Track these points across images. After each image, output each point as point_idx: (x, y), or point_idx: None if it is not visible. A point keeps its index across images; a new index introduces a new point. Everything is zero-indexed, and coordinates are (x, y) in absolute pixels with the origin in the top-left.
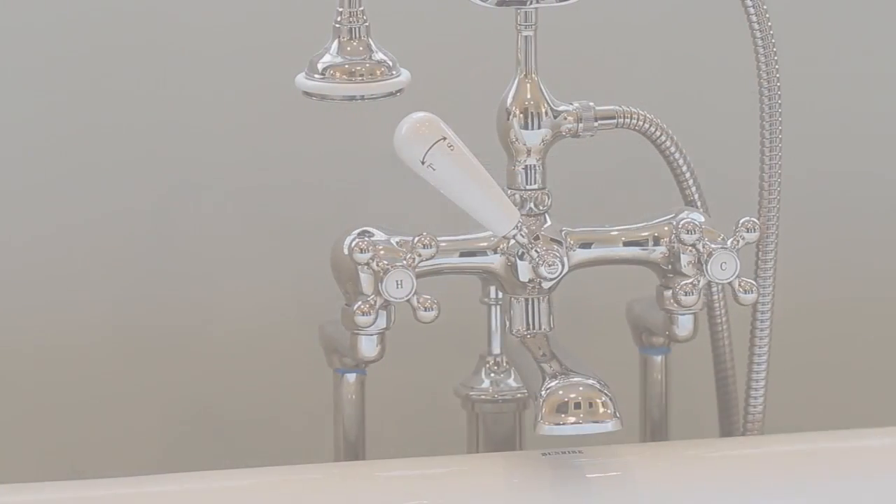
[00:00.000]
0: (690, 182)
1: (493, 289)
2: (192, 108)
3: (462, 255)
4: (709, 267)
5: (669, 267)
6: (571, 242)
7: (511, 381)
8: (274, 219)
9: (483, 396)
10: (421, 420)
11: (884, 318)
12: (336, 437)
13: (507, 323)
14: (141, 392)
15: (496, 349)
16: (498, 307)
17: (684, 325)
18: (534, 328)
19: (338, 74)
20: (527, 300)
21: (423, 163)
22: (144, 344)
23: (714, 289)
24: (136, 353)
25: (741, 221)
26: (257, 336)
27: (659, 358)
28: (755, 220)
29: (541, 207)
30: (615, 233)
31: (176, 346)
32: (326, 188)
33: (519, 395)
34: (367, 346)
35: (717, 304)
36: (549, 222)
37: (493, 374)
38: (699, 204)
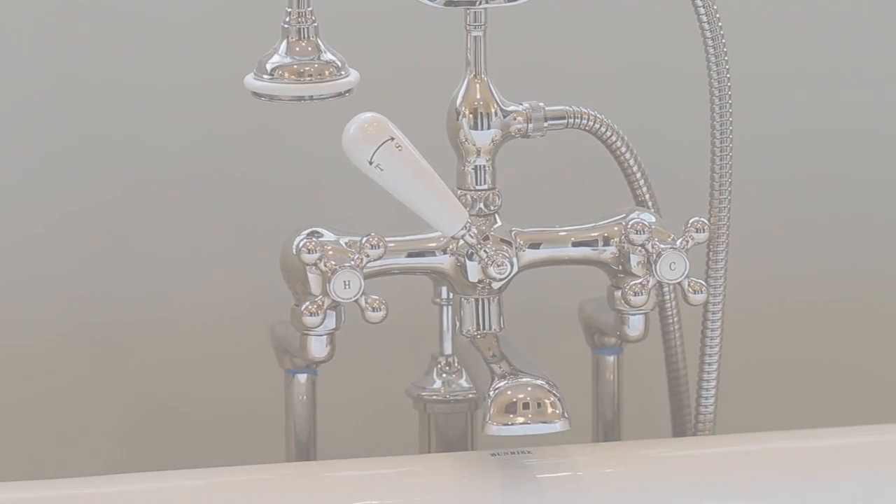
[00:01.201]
0: (641, 182)
1: (444, 289)
2: (148, 107)
3: (410, 255)
4: (658, 267)
5: (620, 267)
6: (521, 243)
7: (463, 382)
8: (230, 218)
9: (435, 397)
10: (374, 420)
11: (835, 318)
12: (287, 438)
13: (458, 323)
14: (94, 391)
15: (448, 350)
16: (449, 308)
17: (635, 326)
18: (484, 328)
19: (286, 75)
20: (477, 300)
21: (370, 163)
22: (98, 344)
23: (665, 289)
24: (90, 353)
25: (691, 222)
26: (212, 336)
27: (611, 358)
28: (704, 220)
29: (491, 208)
30: (564, 233)
31: (130, 345)
32: (283, 187)
33: (471, 396)
34: (317, 347)
35: (668, 305)
36: (499, 223)
37: (444, 375)
38: (650, 204)
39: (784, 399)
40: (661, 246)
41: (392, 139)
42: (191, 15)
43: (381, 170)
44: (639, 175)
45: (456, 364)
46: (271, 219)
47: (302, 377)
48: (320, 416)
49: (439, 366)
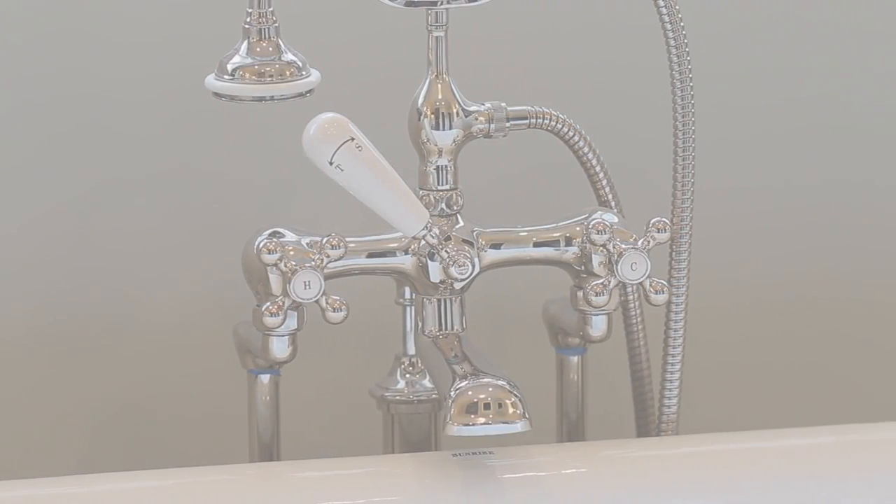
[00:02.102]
0: (604, 182)
1: (407, 290)
2: (112, 108)
3: (370, 255)
4: (619, 267)
5: (582, 268)
6: (483, 243)
7: (426, 382)
8: (196, 218)
9: (398, 397)
10: (338, 421)
11: (799, 318)
12: (251, 438)
13: (420, 324)
14: (58, 392)
15: (411, 350)
16: (413, 308)
17: (598, 326)
18: (446, 329)
19: (247, 75)
20: (439, 301)
21: (331, 163)
22: (62, 343)
23: (629, 289)
24: (55, 353)
25: (652, 222)
26: (178, 336)
27: (575, 358)
28: (666, 220)
29: (453, 208)
30: (524, 234)
31: (96, 345)
32: (251, 186)
33: (434, 396)
34: (279, 347)
35: (632, 305)
36: (461, 223)
37: (408, 375)
38: (613, 204)
39: (748, 399)
40: (623, 246)
41: (352, 139)
42: (158, 12)
43: (342, 170)
44: (601, 175)
45: (419, 365)
46: (238, 218)
47: (265, 378)
48: (284, 416)
49: (403, 366)
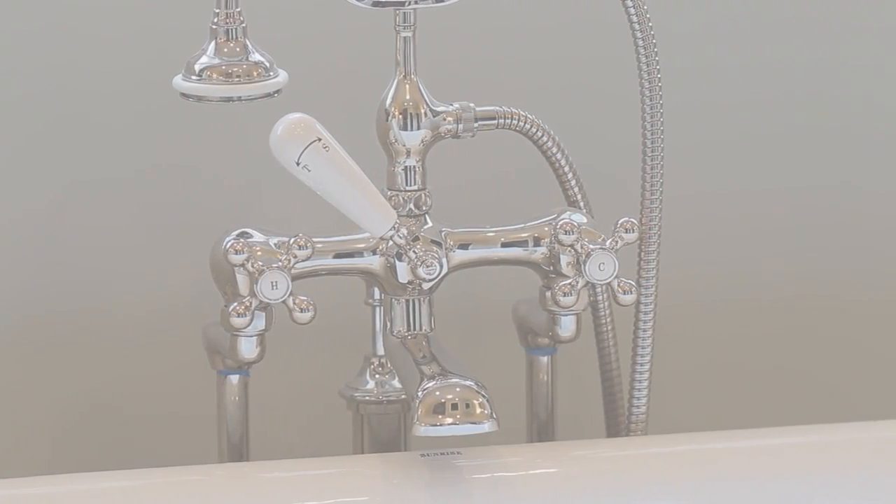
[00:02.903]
0: (573, 183)
1: (376, 290)
2: (84, 106)
3: (338, 256)
4: (587, 268)
5: (551, 268)
6: (451, 243)
7: (395, 383)
8: (167, 218)
9: (367, 398)
10: (308, 421)
11: (768, 318)
12: (220, 439)
13: (388, 324)
14: (27, 391)
15: (381, 350)
16: (381, 308)
17: (567, 326)
18: (414, 329)
19: (214, 76)
20: (407, 301)
21: (298, 164)
22: (32, 343)
23: (598, 289)
24: (24, 353)
25: (620, 222)
26: (147, 336)
27: (545, 359)
28: (634, 220)
29: (422, 208)
30: (492, 234)
31: (65, 345)
32: (223, 186)
33: (403, 397)
34: (247, 348)
35: (601, 305)
36: (429, 223)
37: (377, 376)
38: (582, 205)
39: (718, 400)
40: (591, 246)
41: (319, 140)
42: (126, 12)
43: (309, 170)
44: (570, 176)
45: (389, 365)
46: (210, 217)
47: (234, 378)
48: (254, 416)
49: (372, 367)
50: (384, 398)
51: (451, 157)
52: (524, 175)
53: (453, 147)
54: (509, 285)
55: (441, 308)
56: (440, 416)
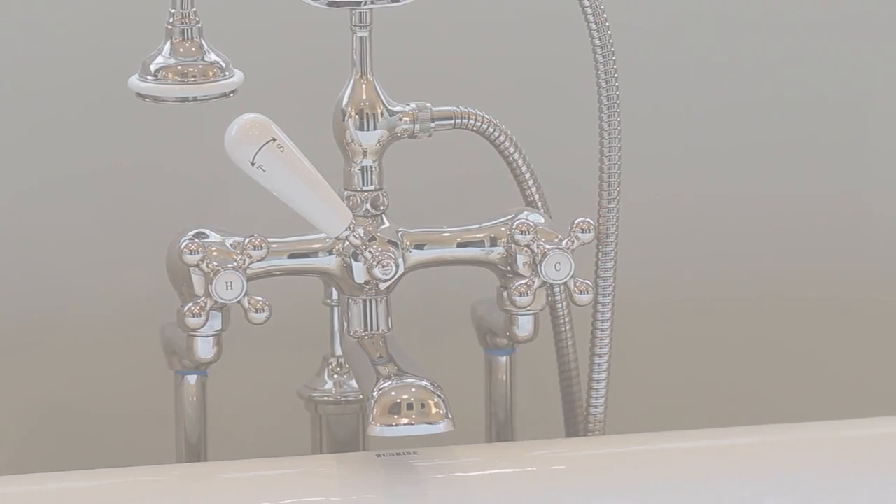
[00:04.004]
0: (530, 183)
1: (334, 290)
2: (45, 105)
3: (294, 256)
4: (543, 267)
5: (508, 268)
6: (408, 244)
7: (354, 383)
8: (125, 218)
9: (326, 398)
10: (267, 421)
11: (729, 318)
12: (178, 439)
13: (346, 324)
14: None
15: (339, 351)
16: (339, 308)
17: (524, 326)
18: (371, 329)
19: (170, 76)
20: (364, 301)
21: (252, 164)
22: None
23: (556, 289)
24: None
25: (576, 222)
26: (107, 335)
27: (503, 359)
28: (590, 220)
29: (379, 208)
30: (447, 234)
31: (23, 345)
32: (182, 185)
33: (361, 397)
34: (203, 348)
35: (559, 305)
36: (386, 223)
37: (335, 376)
38: (540, 205)
39: (678, 399)
40: (547, 246)
41: (274, 140)
42: (87, 13)
43: (264, 171)
44: (528, 176)
45: (347, 365)
46: (168, 217)
47: (191, 378)
48: (213, 416)
49: (330, 367)
50: (342, 398)
51: (410, 157)
52: (484, 175)
53: (412, 147)
54: (469, 285)
55: (401, 308)
56: (395, 417)
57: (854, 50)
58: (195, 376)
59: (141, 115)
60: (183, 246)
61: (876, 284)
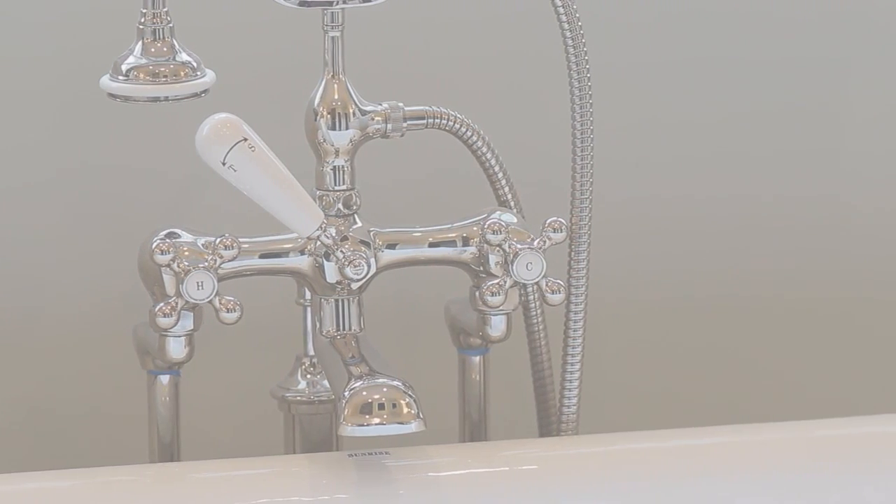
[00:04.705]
0: (503, 182)
1: (307, 290)
2: (17, 105)
3: (266, 256)
4: (514, 267)
5: (480, 268)
6: (380, 243)
7: (327, 383)
8: (98, 217)
9: (299, 398)
10: (241, 421)
11: (699, 318)
12: (150, 439)
13: (318, 324)
14: None
15: (312, 350)
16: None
17: (497, 326)
18: (343, 329)
19: (141, 76)
20: (336, 301)
21: (224, 164)
22: None
23: (529, 289)
24: None
25: (548, 221)
26: (79, 336)
27: (477, 358)
28: (562, 220)
29: (352, 208)
30: (419, 234)
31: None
32: (154, 185)
33: (334, 397)
34: (175, 348)
35: (532, 305)
36: (358, 223)
37: (309, 376)
38: (513, 204)
39: (651, 399)
40: (519, 246)
41: (245, 140)
42: (59, 13)
43: (235, 171)
44: (501, 175)
45: (320, 365)
46: (141, 217)
47: (164, 378)
48: (188, 416)
49: (304, 367)
50: (315, 398)
51: (383, 157)
52: (458, 175)
53: (386, 147)
54: (442, 285)
55: (375, 308)
56: (367, 416)
57: (830, 56)
58: (168, 376)
59: (115, 114)
60: (154, 246)
61: (853, 283)
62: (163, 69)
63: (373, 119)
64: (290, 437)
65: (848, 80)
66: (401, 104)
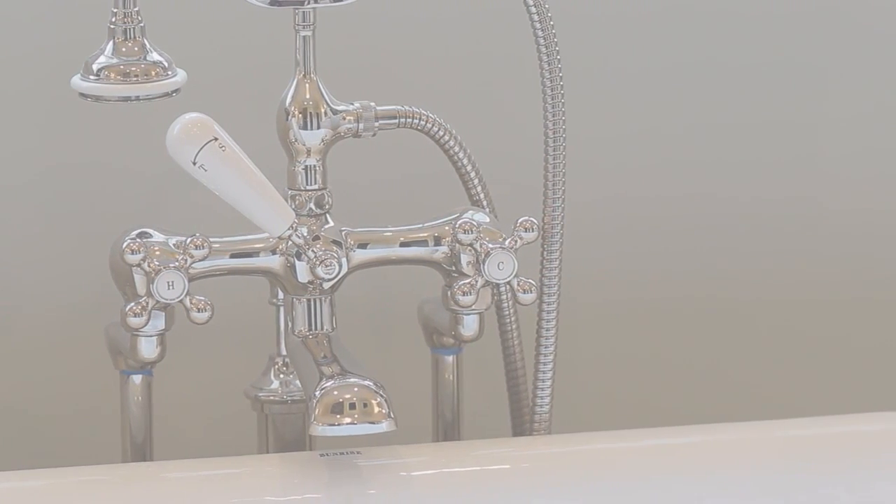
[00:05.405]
0: (476, 182)
1: (280, 290)
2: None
3: (235, 256)
4: (486, 267)
5: (453, 267)
6: (352, 243)
7: (300, 383)
8: (69, 217)
9: (272, 397)
10: (213, 421)
11: (671, 318)
12: (123, 439)
13: (290, 324)
14: None
15: (285, 350)
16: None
17: (469, 325)
18: (316, 329)
19: (112, 75)
20: (308, 301)
21: (194, 163)
22: None
23: (503, 288)
24: None
25: (519, 221)
26: (51, 336)
27: (450, 358)
28: (533, 219)
29: (324, 207)
30: (389, 234)
31: None
32: (125, 185)
33: (306, 396)
34: (146, 348)
35: (505, 304)
36: (330, 223)
37: (282, 376)
38: (485, 204)
39: (626, 398)
40: (490, 246)
41: (216, 139)
42: (29, 14)
43: (205, 170)
44: (473, 175)
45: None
46: (113, 216)
47: (136, 378)
48: (160, 416)
49: (277, 366)
50: (288, 398)
51: (356, 156)
52: (432, 174)
53: (359, 146)
54: (416, 285)
55: (348, 307)
56: (338, 416)
57: (806, 61)
58: (140, 376)
59: (88, 113)
60: (125, 246)
61: (828, 284)
62: (134, 69)
63: (344, 118)
64: (263, 437)
65: (824, 85)
66: (372, 104)
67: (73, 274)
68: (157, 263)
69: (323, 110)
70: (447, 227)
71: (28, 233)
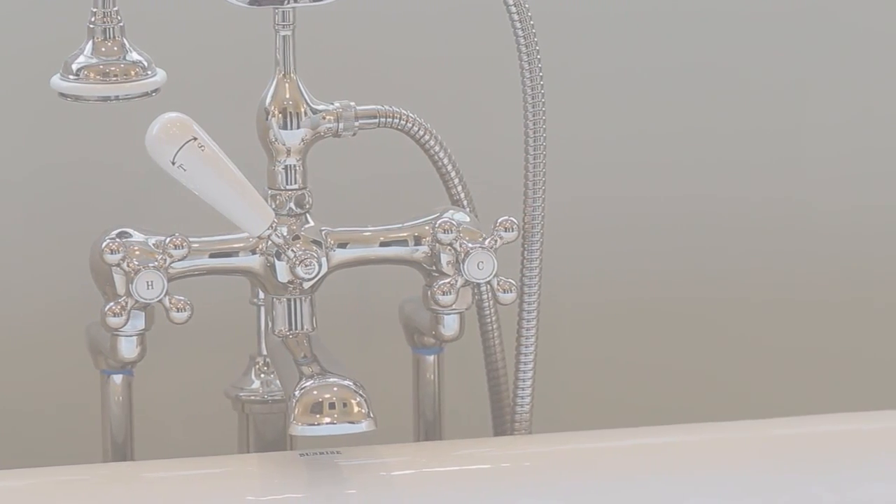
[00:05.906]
0: (456, 181)
1: (260, 290)
2: None
3: (214, 255)
4: (465, 266)
5: (433, 267)
6: (332, 243)
7: (280, 382)
8: (50, 217)
9: (253, 397)
10: (194, 421)
11: (653, 317)
12: (104, 438)
13: (270, 323)
14: None
15: (266, 350)
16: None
17: (450, 325)
18: (296, 329)
19: (92, 75)
20: (288, 300)
21: (173, 163)
22: None
23: (483, 288)
24: None
25: (499, 221)
26: (32, 336)
27: (431, 358)
28: (513, 219)
29: (304, 207)
30: (368, 233)
31: None
32: (105, 185)
33: (286, 396)
34: (127, 348)
35: (486, 304)
36: (310, 222)
37: (262, 375)
38: (466, 203)
39: (605, 398)
40: (470, 245)
41: (195, 139)
42: (8, 13)
43: (185, 170)
44: (454, 174)
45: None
46: (94, 216)
47: (117, 378)
48: (141, 416)
49: (257, 366)
50: (269, 398)
51: (337, 156)
52: (413, 174)
53: (339, 146)
54: (397, 285)
55: (329, 307)
56: (317, 416)
57: (793, 64)
58: (121, 376)
59: (68, 113)
60: (104, 245)
61: (813, 283)
62: (113, 68)
63: (324, 118)
64: (243, 437)
65: (810, 86)
66: (352, 103)
67: (54, 274)
68: (136, 263)
69: (303, 110)
70: (427, 227)
71: (8, 233)
